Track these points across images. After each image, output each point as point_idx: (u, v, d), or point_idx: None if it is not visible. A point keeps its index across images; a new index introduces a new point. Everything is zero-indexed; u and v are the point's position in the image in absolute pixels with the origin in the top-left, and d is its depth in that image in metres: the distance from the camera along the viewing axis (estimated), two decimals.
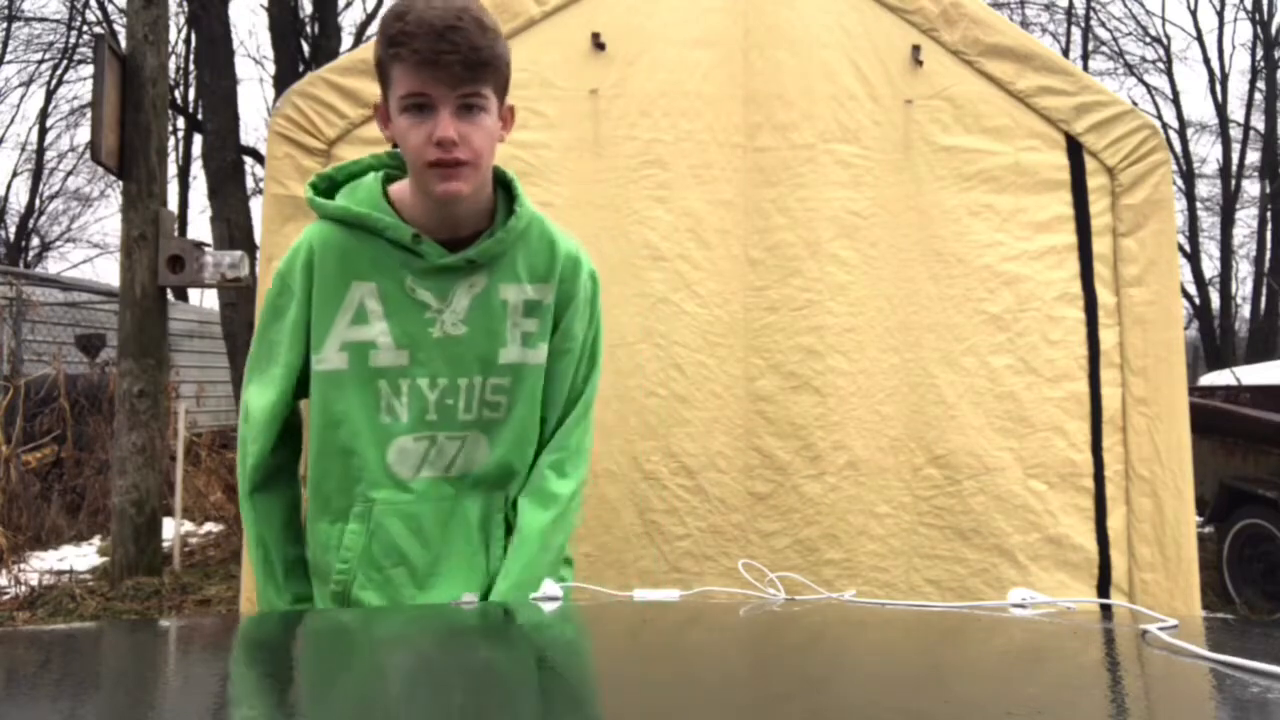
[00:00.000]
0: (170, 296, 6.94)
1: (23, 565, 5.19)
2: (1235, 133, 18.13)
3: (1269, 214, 17.46)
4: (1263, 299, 17.56)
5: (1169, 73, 18.33)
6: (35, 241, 19.91)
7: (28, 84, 17.85)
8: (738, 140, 2.65)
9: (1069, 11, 17.92)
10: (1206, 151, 21.14)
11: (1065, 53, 16.72)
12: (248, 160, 9.36)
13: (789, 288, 2.61)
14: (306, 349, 1.34)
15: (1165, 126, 16.80)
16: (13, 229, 19.05)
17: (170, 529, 5.44)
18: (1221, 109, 18.03)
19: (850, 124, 2.65)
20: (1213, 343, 16.94)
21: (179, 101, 13.20)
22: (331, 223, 1.33)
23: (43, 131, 18.50)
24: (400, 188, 1.34)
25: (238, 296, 6.95)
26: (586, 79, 2.63)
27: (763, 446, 2.59)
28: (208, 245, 5.14)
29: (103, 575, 5.13)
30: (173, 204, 13.51)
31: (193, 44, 12.48)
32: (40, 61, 17.09)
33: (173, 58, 12.80)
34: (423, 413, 1.34)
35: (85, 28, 14.98)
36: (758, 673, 0.86)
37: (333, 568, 1.36)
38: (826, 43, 2.67)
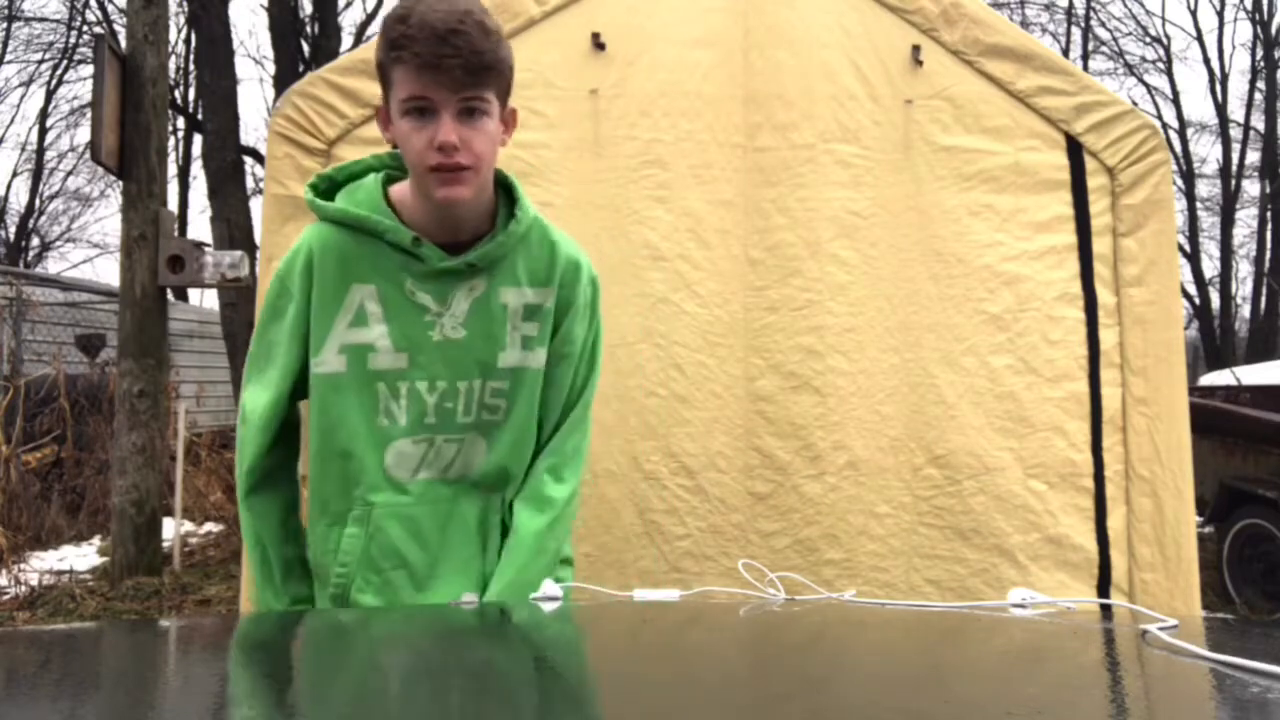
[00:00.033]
0: (170, 296, 6.94)
1: (23, 565, 5.19)
2: (1235, 133, 18.15)
3: (1269, 214, 17.47)
4: (1263, 299, 17.56)
5: (1169, 73, 18.34)
6: (35, 241, 19.94)
7: (28, 84, 17.87)
8: (738, 140, 2.65)
9: (1069, 11, 17.94)
10: (1206, 151, 21.16)
11: (1065, 53, 16.72)
12: (248, 160, 9.36)
13: (789, 288, 2.61)
14: (305, 351, 1.33)
15: (1165, 126, 16.80)
16: (13, 229, 19.06)
17: (170, 529, 5.44)
18: (1221, 109, 18.04)
19: (850, 124, 2.65)
20: (1213, 343, 16.94)
21: (179, 101, 13.20)
22: (331, 224, 1.32)
23: (43, 131, 18.52)
24: (401, 189, 1.33)
25: (238, 296, 6.95)
26: (586, 79, 2.63)
27: (763, 446, 2.59)
28: (208, 245, 5.14)
29: (103, 575, 5.13)
30: (173, 204, 13.52)
31: (193, 44, 12.49)
32: (40, 61, 17.11)
33: (173, 58, 12.80)
34: (421, 416, 1.34)
35: (85, 28, 14.99)
36: (758, 673, 0.86)
37: (331, 570, 1.35)
38: (826, 43, 2.67)
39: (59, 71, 17.01)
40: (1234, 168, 17.99)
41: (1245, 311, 19.39)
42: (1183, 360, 2.68)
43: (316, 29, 10.36)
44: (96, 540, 6.11)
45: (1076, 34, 18.17)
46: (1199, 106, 31.39)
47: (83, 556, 5.73)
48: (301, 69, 9.13)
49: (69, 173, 19.35)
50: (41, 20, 16.46)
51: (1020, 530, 2.56)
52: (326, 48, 9.66)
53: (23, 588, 4.85)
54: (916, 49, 2.67)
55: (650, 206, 2.60)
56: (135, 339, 4.87)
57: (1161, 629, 0.88)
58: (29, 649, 0.91)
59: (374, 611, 1.29)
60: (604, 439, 2.48)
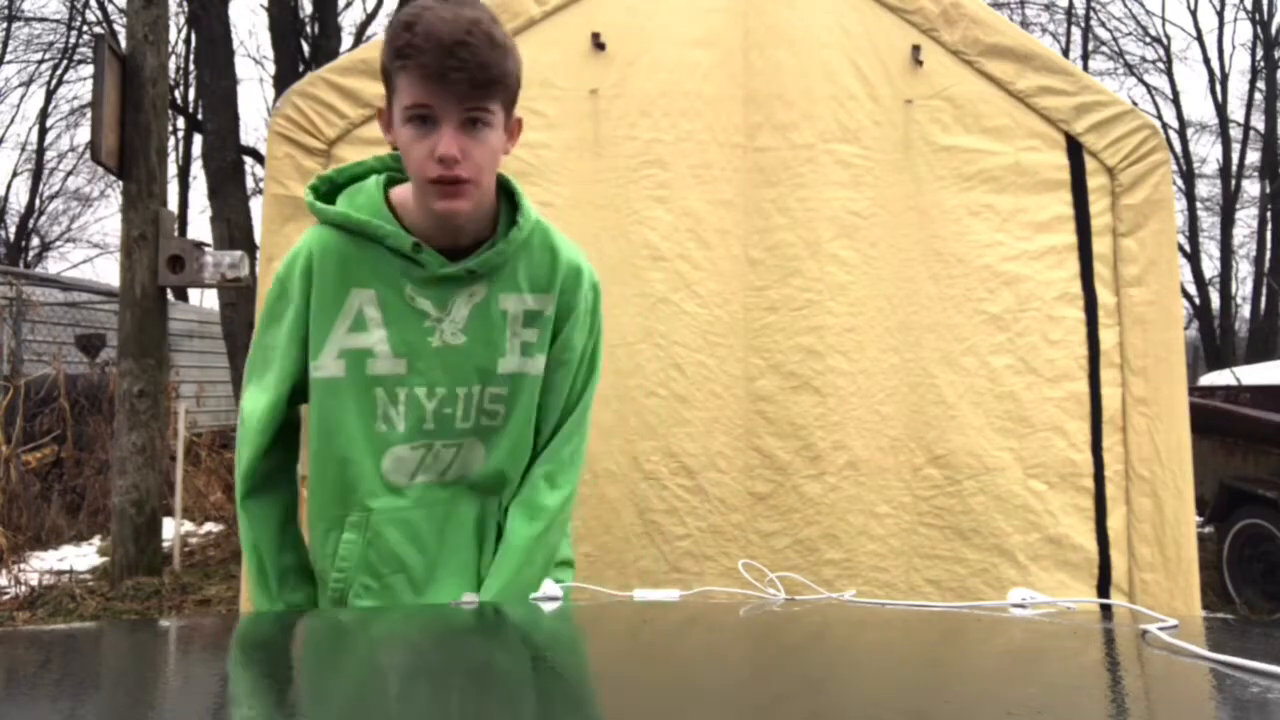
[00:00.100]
0: (170, 296, 6.95)
1: (23, 565, 5.19)
2: (1235, 133, 18.15)
3: (1269, 214, 17.47)
4: (1263, 299, 17.56)
5: (1169, 73, 18.35)
6: (35, 241, 19.94)
7: (28, 84, 17.87)
8: (738, 140, 2.65)
9: (1069, 11, 17.94)
10: (1206, 151, 21.16)
11: (1065, 53, 16.72)
12: (248, 160, 9.37)
13: (789, 288, 2.61)
14: (304, 354, 1.32)
15: (1165, 126, 16.80)
16: (13, 229, 19.06)
17: (170, 529, 5.44)
18: (1221, 109, 18.04)
19: (850, 124, 2.65)
20: (1213, 343, 16.94)
21: (179, 101, 13.21)
22: (331, 228, 1.31)
23: (43, 131, 18.52)
24: (402, 192, 1.32)
25: (238, 296, 6.95)
26: (586, 79, 2.63)
27: (763, 446, 2.59)
28: (208, 245, 5.14)
29: (103, 575, 5.13)
30: (173, 204, 13.52)
31: (193, 44, 12.49)
32: (40, 61, 17.11)
33: (173, 58, 12.81)
34: (420, 422, 1.33)
35: (85, 28, 14.99)
36: (758, 673, 0.86)
37: (329, 575, 1.35)
38: (826, 43, 2.67)
39: (59, 71, 17.03)
40: (1234, 168, 18.00)
41: (1245, 311, 19.40)
42: (1183, 360, 2.69)
43: (316, 29, 10.37)
44: (96, 540, 6.11)
45: (1076, 34, 18.19)
46: (1199, 106, 31.43)
47: (83, 556, 5.73)
48: (301, 69, 9.13)
49: (69, 173, 19.38)
50: (41, 20, 16.48)
51: (1020, 530, 2.56)
52: (326, 48, 9.66)
53: (23, 588, 4.85)
54: (916, 49, 2.67)
55: (650, 206, 2.60)
56: (135, 339, 4.87)
57: (1161, 629, 0.88)
58: (29, 649, 0.91)
59: (374, 611, 1.29)
60: (604, 439, 2.48)
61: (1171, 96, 18.25)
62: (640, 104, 2.63)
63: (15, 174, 25.37)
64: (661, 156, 2.61)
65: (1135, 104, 6.17)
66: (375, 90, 2.52)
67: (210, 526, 6.68)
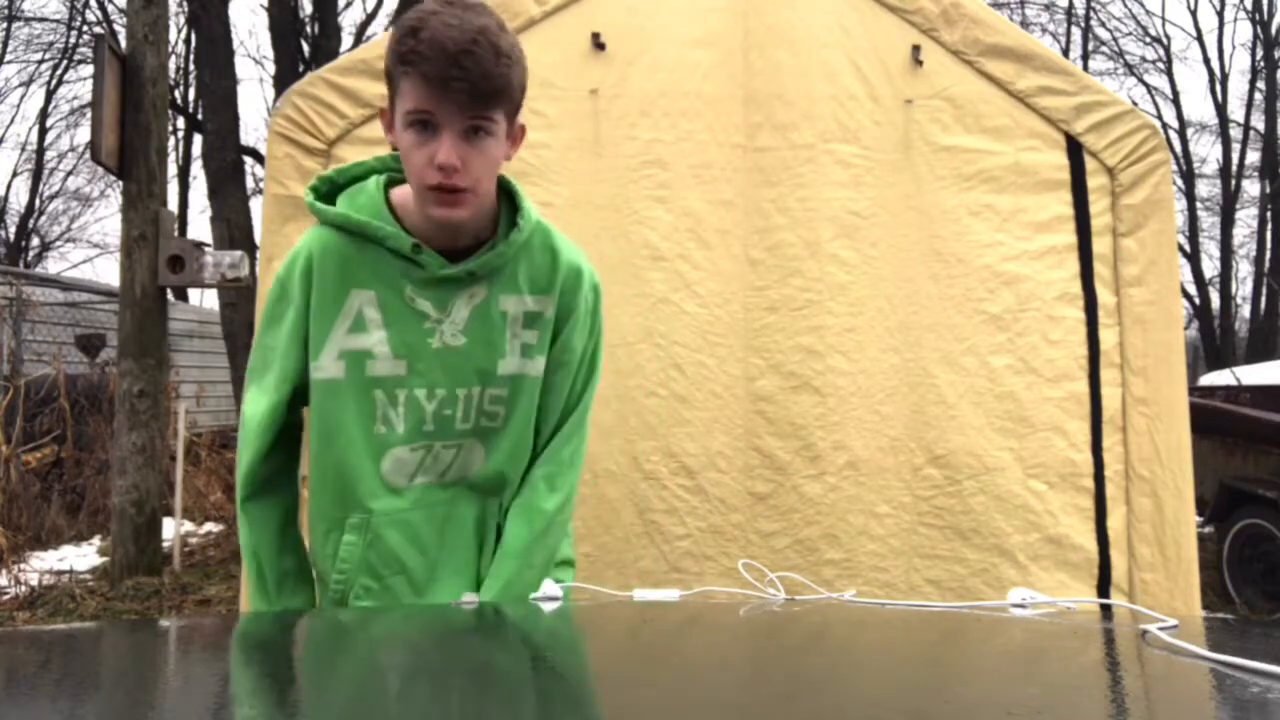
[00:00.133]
0: (170, 296, 6.95)
1: (23, 565, 5.19)
2: (1235, 133, 18.14)
3: (1269, 214, 17.47)
4: (1263, 299, 17.56)
5: (1169, 73, 18.34)
6: (35, 241, 19.93)
7: (28, 84, 17.87)
8: (738, 140, 2.65)
9: (1069, 11, 17.94)
10: (1206, 151, 21.15)
11: (1065, 53, 16.72)
12: (248, 160, 9.35)
13: (789, 288, 2.61)
14: (305, 355, 1.32)
15: (1165, 126, 16.80)
16: (13, 229, 19.06)
17: (170, 529, 5.44)
18: (1221, 109, 18.04)
19: (850, 124, 2.65)
20: (1213, 343, 16.94)
21: (179, 101, 13.20)
22: (331, 229, 1.31)
23: (43, 131, 18.52)
24: (402, 193, 1.32)
25: (238, 296, 6.95)
26: (586, 79, 2.63)
27: (763, 446, 2.59)
28: (208, 245, 5.14)
29: (103, 575, 5.13)
30: (173, 204, 13.52)
31: (193, 44, 12.48)
32: (40, 61, 17.10)
33: (173, 58, 12.81)
34: (420, 423, 1.32)
35: (85, 28, 14.99)
36: (758, 673, 0.86)
37: (330, 576, 1.35)
38: (826, 43, 2.67)
39: (59, 71, 17.02)
40: (1234, 168, 18.00)
41: (1245, 311, 19.40)
42: (1183, 360, 2.69)
43: (316, 29, 10.36)
44: (96, 540, 6.11)
45: (1076, 34, 18.19)
46: (1199, 106, 31.42)
47: (83, 556, 5.73)
48: (301, 69, 9.13)
49: (69, 173, 19.38)
50: (41, 20, 16.47)
51: (1020, 530, 2.56)
52: (326, 48, 9.65)
53: (23, 588, 4.85)
54: (916, 49, 2.67)
55: (650, 206, 2.60)
56: (135, 339, 4.87)
57: (1161, 629, 0.88)
58: (29, 649, 0.91)
59: (374, 611, 1.29)
60: (604, 439, 2.48)
61: (1171, 96, 18.26)
62: (640, 104, 2.63)
63: (15, 174, 25.38)
64: (661, 156, 2.61)
65: (1135, 104, 6.17)
66: (375, 90, 2.53)
67: (210, 526, 6.68)
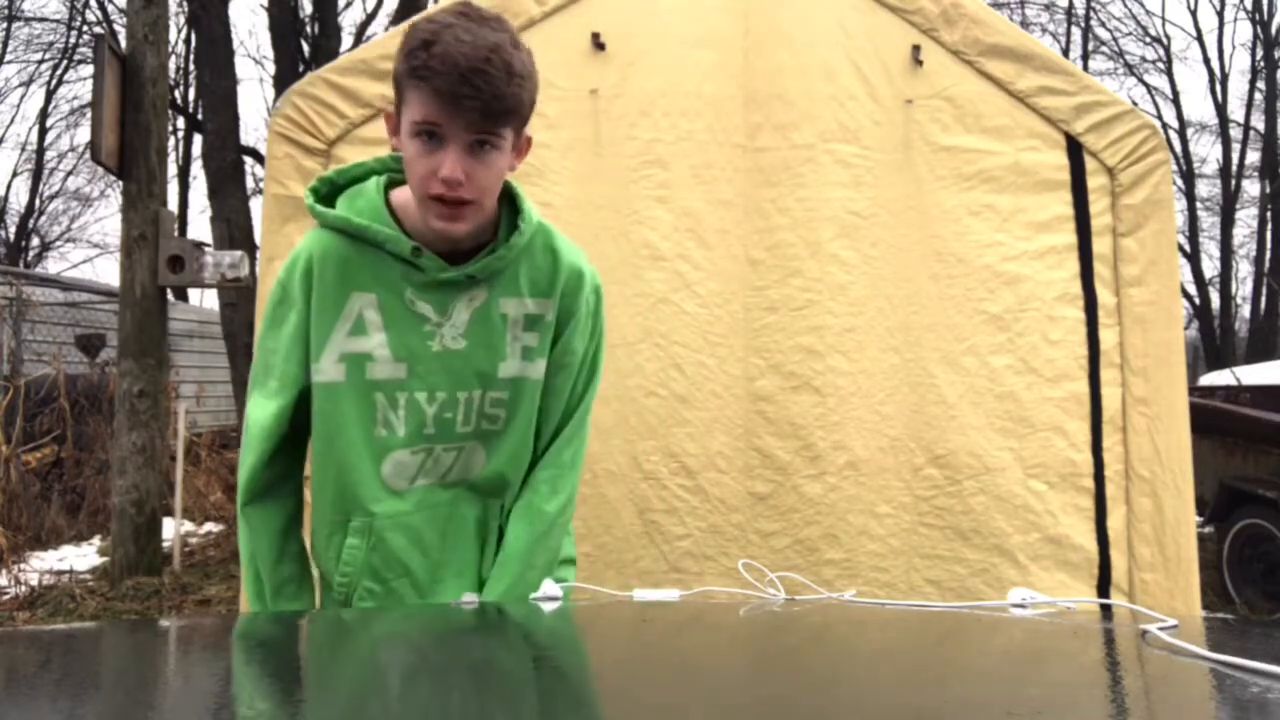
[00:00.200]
0: (170, 296, 6.95)
1: (23, 565, 5.19)
2: (1235, 133, 18.14)
3: (1269, 214, 17.46)
4: (1263, 299, 17.56)
5: (1169, 73, 18.34)
6: (35, 241, 19.93)
7: (28, 84, 17.87)
8: (738, 140, 2.65)
9: (1069, 11, 17.94)
10: (1206, 151, 21.13)
11: (1065, 53, 16.72)
12: (248, 160, 9.36)
13: (789, 288, 2.61)
14: (308, 359, 1.32)
15: (1165, 126, 16.80)
16: (13, 229, 19.06)
17: (170, 529, 5.44)
18: (1221, 109, 18.04)
19: (850, 124, 2.65)
20: (1213, 343, 16.94)
21: (179, 101, 13.20)
22: (331, 231, 1.30)
23: (43, 131, 18.51)
24: (403, 194, 1.31)
25: (238, 296, 6.95)
26: (586, 79, 2.63)
27: (763, 446, 2.59)
28: (208, 245, 5.14)
29: (103, 575, 5.13)
30: (173, 204, 13.52)
31: (193, 44, 12.48)
32: (40, 61, 17.10)
33: (173, 58, 12.81)
34: (420, 426, 1.32)
35: (85, 28, 14.99)
36: (758, 673, 0.86)
37: (334, 579, 1.35)
38: (827, 42, 2.67)
39: (59, 71, 17.02)
40: (1234, 168, 17.99)
41: (1245, 311, 19.40)
42: (1183, 360, 2.69)
43: (316, 29, 10.35)
44: (96, 540, 6.11)
45: (1076, 34, 18.19)
46: (1199, 106, 31.35)
47: (83, 556, 5.73)
48: (301, 69, 9.12)
49: (69, 173, 19.37)
50: (41, 20, 16.47)
51: (1020, 530, 2.57)
52: (326, 48, 9.65)
53: (23, 588, 4.85)
54: (916, 49, 2.67)
55: (650, 206, 2.60)
56: (135, 339, 4.87)
57: (1161, 629, 0.88)
58: (29, 649, 0.91)
59: (374, 611, 1.29)
60: (604, 439, 2.48)
61: (1171, 96, 18.26)
62: (640, 104, 2.63)
63: (15, 174, 25.35)
64: (662, 156, 2.61)
65: (1135, 104, 6.18)
66: (375, 90, 2.53)
67: (210, 526, 6.68)
